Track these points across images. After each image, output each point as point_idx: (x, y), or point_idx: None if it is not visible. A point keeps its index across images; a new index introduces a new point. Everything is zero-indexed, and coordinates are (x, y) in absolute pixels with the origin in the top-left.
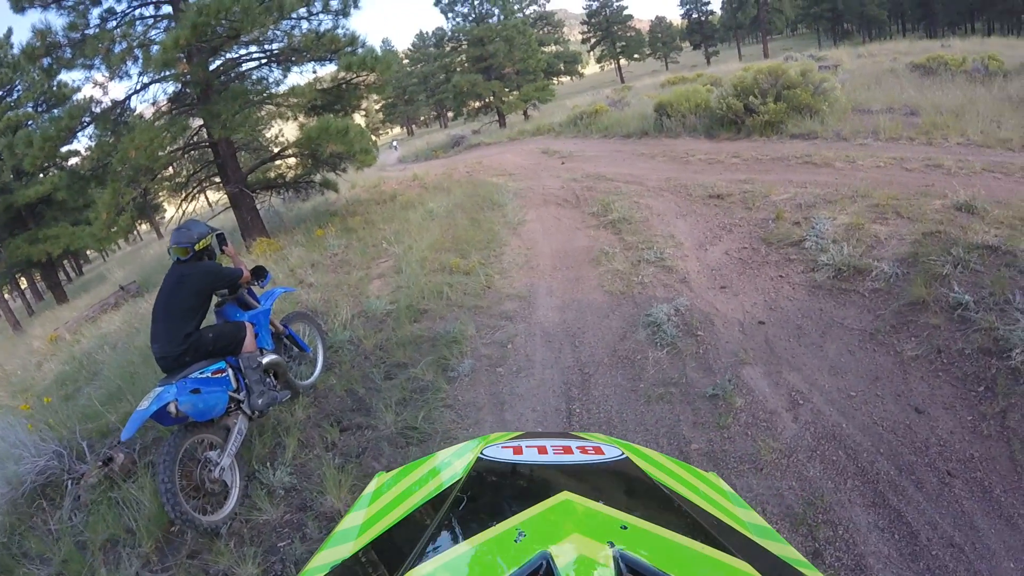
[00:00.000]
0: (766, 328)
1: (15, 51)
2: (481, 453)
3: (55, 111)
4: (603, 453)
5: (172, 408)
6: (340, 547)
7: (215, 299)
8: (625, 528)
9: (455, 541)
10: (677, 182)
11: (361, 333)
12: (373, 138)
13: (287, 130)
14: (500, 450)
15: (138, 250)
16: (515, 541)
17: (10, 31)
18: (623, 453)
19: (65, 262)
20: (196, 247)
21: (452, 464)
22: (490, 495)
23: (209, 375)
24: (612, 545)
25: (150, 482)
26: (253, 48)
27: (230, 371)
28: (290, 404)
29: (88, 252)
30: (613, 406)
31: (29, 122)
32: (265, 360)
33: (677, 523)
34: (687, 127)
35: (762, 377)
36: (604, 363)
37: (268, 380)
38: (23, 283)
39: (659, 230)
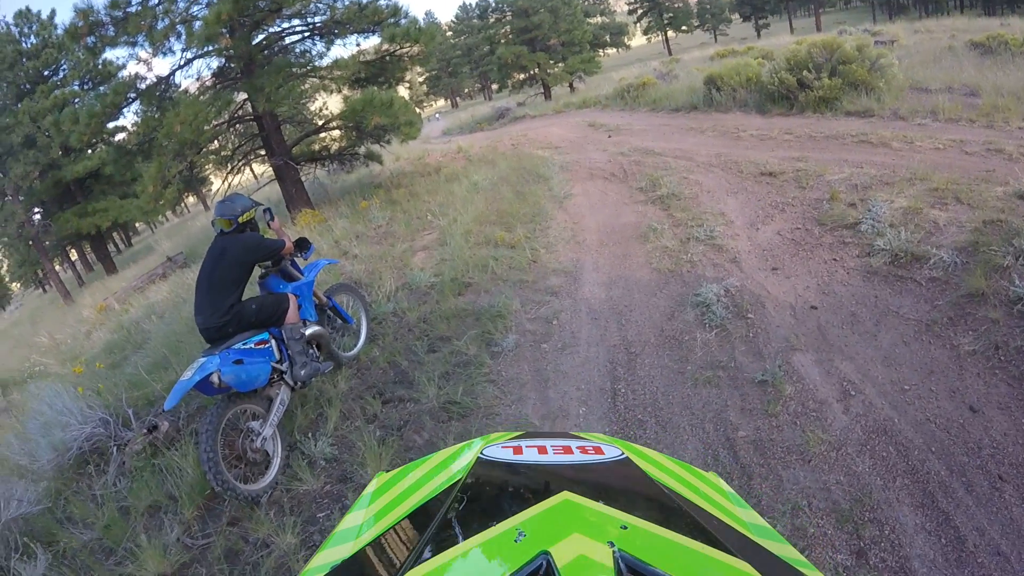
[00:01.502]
0: (818, 313)
1: (59, 31)
2: (481, 453)
3: (101, 88)
4: (603, 453)
5: (215, 378)
6: (340, 547)
7: (259, 271)
8: (625, 528)
9: (455, 541)
10: (728, 158)
11: (405, 305)
12: (417, 110)
13: (331, 103)
14: (500, 450)
15: (185, 222)
16: (515, 541)
17: (53, 12)
18: (623, 453)
19: (114, 234)
20: (240, 219)
21: (452, 464)
22: (490, 495)
23: (252, 346)
24: (612, 545)
25: (193, 450)
26: (296, 21)
27: (273, 342)
28: (333, 375)
29: (136, 224)
30: (659, 387)
31: (76, 100)
32: (308, 331)
33: (677, 523)
34: (738, 102)
35: (813, 365)
36: (651, 343)
37: (311, 351)
38: (73, 255)
39: (709, 207)
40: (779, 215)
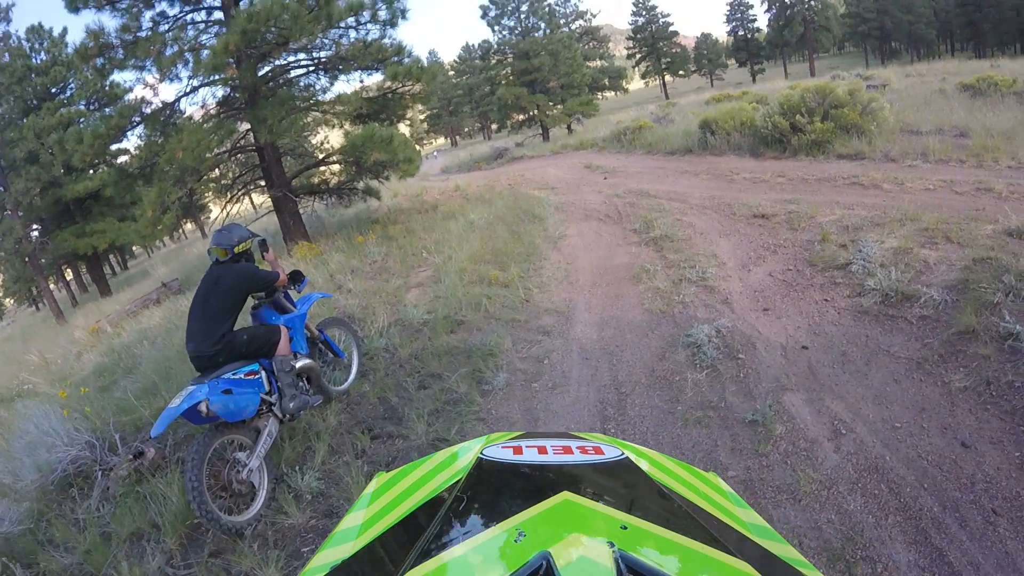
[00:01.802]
0: (809, 353)
1: (69, 50)
2: (481, 453)
3: (107, 110)
4: (603, 453)
5: (203, 407)
6: (340, 547)
7: (252, 301)
8: (625, 528)
9: (455, 541)
10: (721, 200)
11: (397, 341)
12: (417, 148)
13: (332, 137)
14: (500, 450)
15: (182, 248)
16: (515, 541)
17: (65, 30)
18: (623, 453)
19: (110, 256)
20: (236, 249)
21: (452, 464)
22: (490, 495)
23: (242, 376)
24: (612, 545)
25: (178, 479)
26: (301, 55)
27: (263, 373)
28: (322, 409)
29: (133, 248)
30: (649, 428)
31: (81, 119)
32: (298, 364)
33: (677, 523)
34: (732, 145)
35: (804, 404)
36: (641, 383)
37: (301, 384)
38: (68, 274)
39: (701, 249)
40: (771, 256)
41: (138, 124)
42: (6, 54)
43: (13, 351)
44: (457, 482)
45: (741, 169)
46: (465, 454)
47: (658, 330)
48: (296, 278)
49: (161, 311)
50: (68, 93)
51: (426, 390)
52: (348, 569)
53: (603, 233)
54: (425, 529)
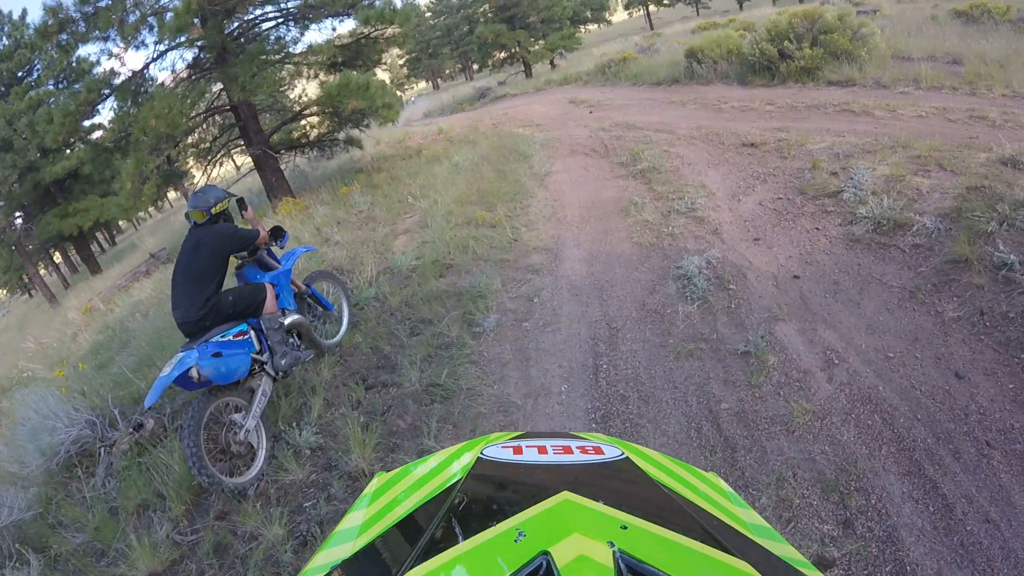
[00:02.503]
0: (801, 283)
1: (31, 31)
2: (481, 453)
3: (76, 86)
4: (603, 453)
5: (194, 373)
6: (340, 547)
7: (236, 262)
8: (625, 528)
9: (455, 541)
10: (709, 130)
11: (387, 290)
12: (398, 93)
13: (310, 89)
14: (500, 450)
15: (167, 217)
16: (515, 541)
17: (24, 12)
18: (623, 453)
19: (98, 234)
20: (213, 210)
21: (452, 464)
22: (490, 495)
23: (231, 338)
24: (612, 545)
25: (179, 446)
26: (269, 7)
27: (252, 333)
28: (316, 363)
29: (120, 222)
30: (641, 362)
31: (51, 100)
32: (287, 320)
33: (677, 523)
34: (719, 74)
35: (796, 334)
36: (632, 317)
37: (291, 340)
38: (57, 257)
39: (690, 180)
40: (761, 186)
41: (108, 96)
42: None
43: (11, 340)
44: (457, 482)
45: (729, 98)
46: (465, 454)
47: (648, 263)
48: (277, 234)
49: (151, 282)
50: (35, 75)
51: (418, 336)
52: (348, 569)
53: (590, 168)
54: (425, 529)
